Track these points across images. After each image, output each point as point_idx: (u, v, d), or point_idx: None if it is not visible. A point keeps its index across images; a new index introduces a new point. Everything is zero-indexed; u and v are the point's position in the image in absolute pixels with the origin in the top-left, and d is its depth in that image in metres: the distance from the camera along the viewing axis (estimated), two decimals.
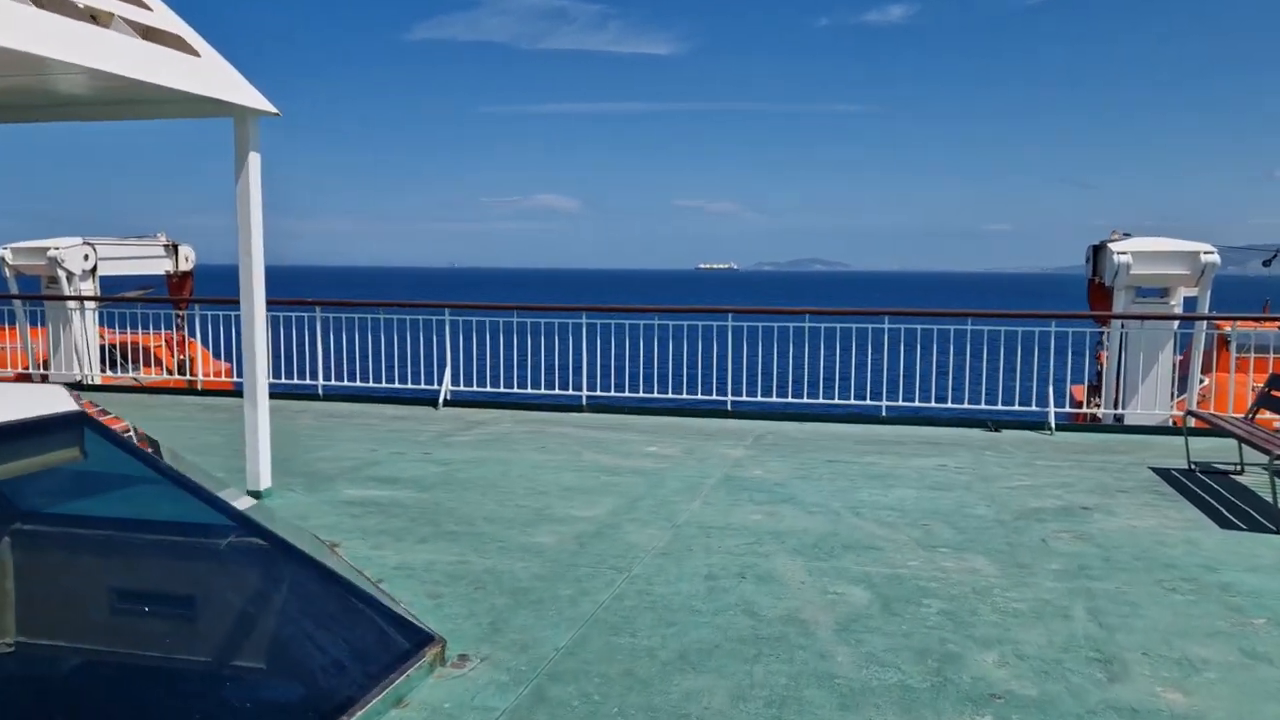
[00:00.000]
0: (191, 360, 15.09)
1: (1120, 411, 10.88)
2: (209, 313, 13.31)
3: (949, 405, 10.80)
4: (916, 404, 10.86)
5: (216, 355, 13.82)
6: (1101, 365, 12.74)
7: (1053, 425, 10.21)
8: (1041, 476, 8.12)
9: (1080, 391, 13.53)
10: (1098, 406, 12.95)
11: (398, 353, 12.24)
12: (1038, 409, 10.55)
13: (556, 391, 11.74)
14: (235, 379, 13.20)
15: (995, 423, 10.44)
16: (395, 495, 7.26)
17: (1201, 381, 12.23)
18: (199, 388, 13.96)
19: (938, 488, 7.63)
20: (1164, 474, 8.21)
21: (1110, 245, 11.01)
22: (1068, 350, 10.88)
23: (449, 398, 11.88)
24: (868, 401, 11.00)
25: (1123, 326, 10.84)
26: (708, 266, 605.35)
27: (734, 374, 11.25)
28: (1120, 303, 11.10)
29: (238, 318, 12.88)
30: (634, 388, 11.57)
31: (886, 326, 10.79)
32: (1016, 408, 10.66)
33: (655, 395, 11.51)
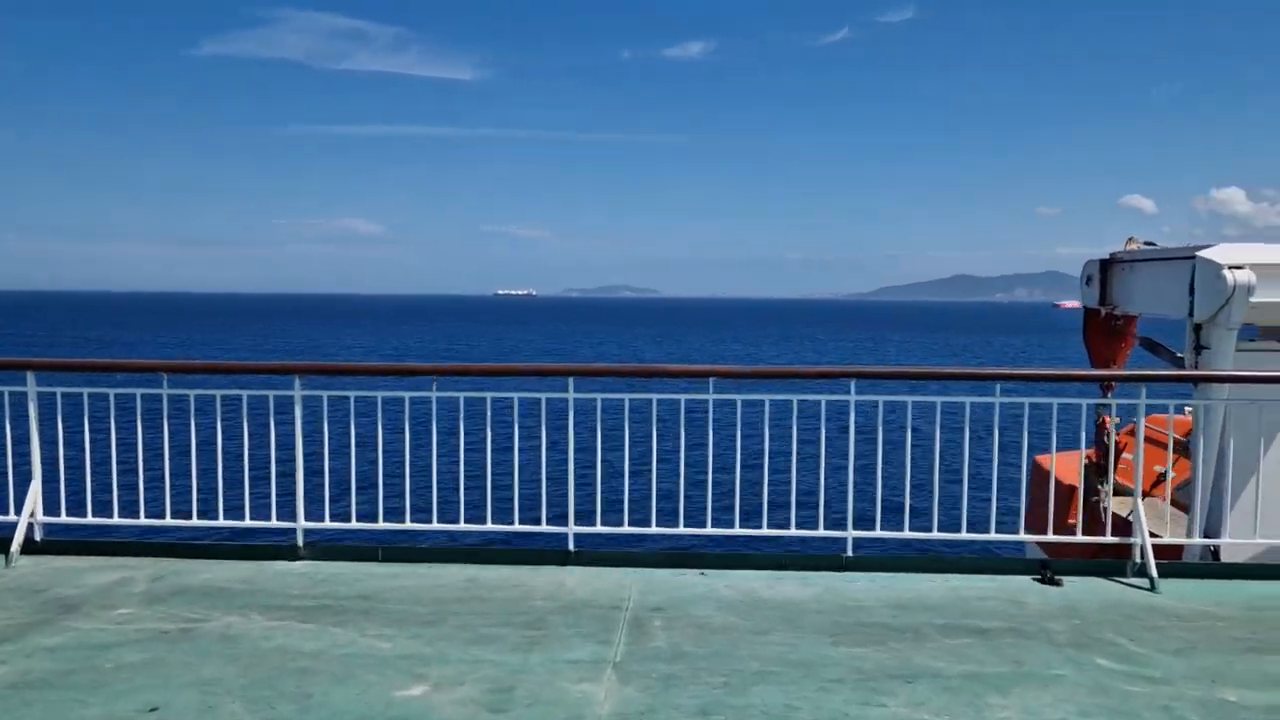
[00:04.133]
0: None
1: (1213, 541, 6.55)
2: None
3: (955, 534, 6.16)
4: (906, 534, 6.15)
5: None
6: (1108, 434, 8.53)
7: (1153, 573, 5.77)
8: None
9: (1058, 464, 8.98)
10: (1101, 495, 8.75)
11: None
12: (1107, 537, 6.13)
13: (248, 523, 6.33)
14: None
15: (1046, 566, 5.93)
16: None
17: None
18: None
19: None
20: None
21: (1206, 256, 6.71)
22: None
23: (36, 537, 6.28)
24: (820, 531, 6.19)
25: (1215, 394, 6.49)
26: (506, 293, 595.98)
27: (579, 480, 6.26)
28: (1218, 350, 6.78)
29: None
30: (395, 509, 6.32)
31: (853, 398, 6.05)
32: (1055, 538, 6.20)
33: (432, 526, 6.29)
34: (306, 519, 6.26)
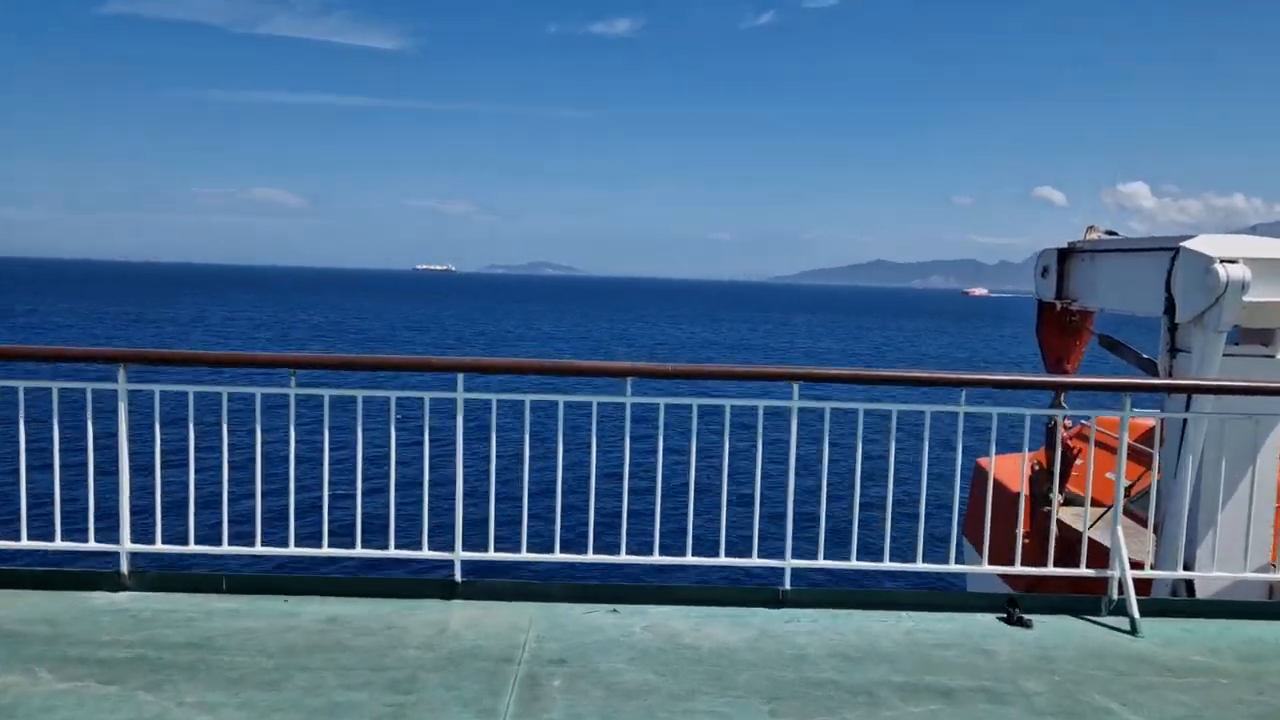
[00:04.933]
0: None
1: (1186, 574, 5.81)
2: None
3: (908, 564, 5.32)
4: (854, 563, 5.27)
5: None
6: (1069, 445, 7.83)
7: (1134, 613, 5.01)
8: None
9: (1000, 468, 8.27)
10: (1060, 506, 8.04)
11: None
12: (1082, 569, 5.35)
13: (59, 545, 5.17)
14: None
15: (1014, 603, 5.12)
16: None
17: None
18: None
19: None
20: None
21: (1192, 248, 5.91)
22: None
23: None
24: (753, 560, 5.29)
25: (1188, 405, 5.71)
26: (425, 268, 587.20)
27: (468, 497, 5.26)
28: (1204, 355, 6.02)
29: None
30: (244, 530, 5.25)
31: (796, 403, 5.15)
32: (1023, 569, 5.42)
33: (289, 551, 5.23)
34: (133, 540, 5.13)
